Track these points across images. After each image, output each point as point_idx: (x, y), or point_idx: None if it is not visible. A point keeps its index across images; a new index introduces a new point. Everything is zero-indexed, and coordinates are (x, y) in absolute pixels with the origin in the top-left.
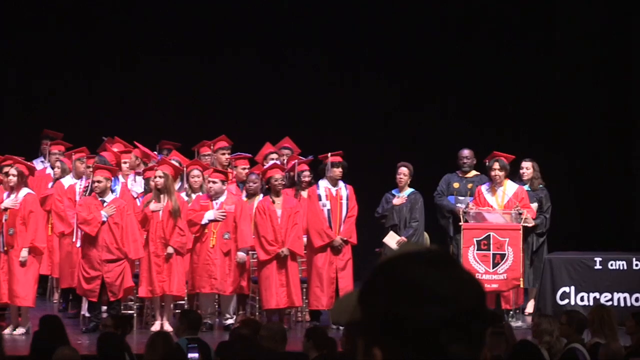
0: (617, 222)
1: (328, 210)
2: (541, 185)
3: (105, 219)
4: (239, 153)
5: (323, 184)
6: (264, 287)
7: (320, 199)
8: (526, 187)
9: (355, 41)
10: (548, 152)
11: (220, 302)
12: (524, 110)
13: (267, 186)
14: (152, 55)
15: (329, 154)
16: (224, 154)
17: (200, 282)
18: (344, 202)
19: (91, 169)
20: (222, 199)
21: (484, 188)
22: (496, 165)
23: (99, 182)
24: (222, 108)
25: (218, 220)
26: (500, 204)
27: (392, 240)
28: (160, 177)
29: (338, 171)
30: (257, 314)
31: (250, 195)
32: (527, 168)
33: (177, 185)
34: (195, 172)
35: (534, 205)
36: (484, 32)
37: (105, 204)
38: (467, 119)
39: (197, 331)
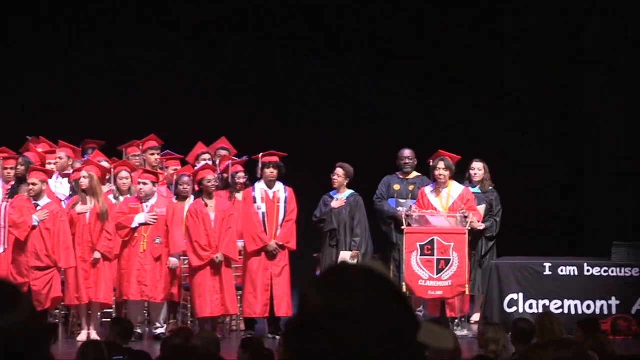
0: (567, 227)
1: (263, 213)
2: (491, 187)
3: (36, 224)
4: (168, 151)
5: (259, 186)
6: (197, 295)
7: (255, 202)
8: (476, 189)
9: (298, 33)
10: (493, 152)
11: (150, 310)
12: (470, 107)
13: (198, 188)
14: (77, 50)
15: (261, 155)
16: (153, 154)
17: (129, 289)
18: (282, 205)
19: (9, 170)
20: (153, 201)
21: (427, 190)
22: (441, 165)
23: (34, 184)
24: (153, 105)
25: (149, 224)
26: (444, 207)
27: (346, 257)
28: (85, 177)
29: (269, 172)
30: (189, 322)
31: (182, 197)
32: (479, 169)
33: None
34: (124, 173)
35: (482, 208)
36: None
37: (38, 207)
38: (409, 117)
39: (128, 340)
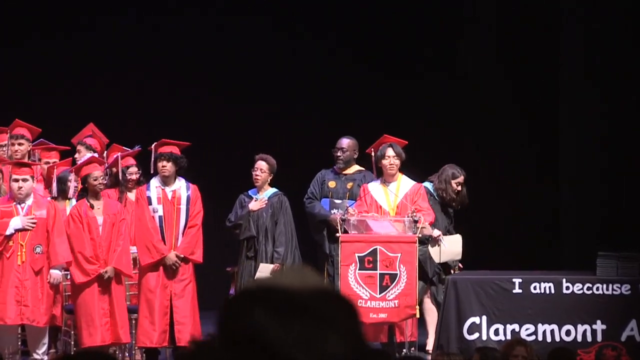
0: (541, 233)
1: (160, 217)
2: None
3: None
4: (42, 140)
5: (155, 183)
6: (82, 318)
7: (150, 203)
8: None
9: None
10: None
11: (28, 337)
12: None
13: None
14: None
15: (154, 144)
16: (13, 144)
17: (5, 311)
18: (183, 206)
19: None
20: (29, 201)
21: (371, 186)
22: (390, 152)
23: None
24: (26, 86)
25: (27, 230)
26: (392, 206)
27: (265, 272)
28: None
29: (160, 165)
30: (72, 352)
31: (66, 197)
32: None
33: None
34: None
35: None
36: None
37: None
38: (350, 98)
39: None
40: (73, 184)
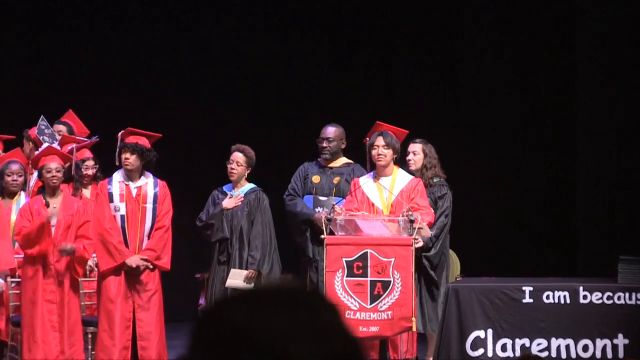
0: (555, 235)
1: (122, 216)
2: (438, 179)
3: None
4: None
5: (117, 177)
6: (27, 331)
7: (112, 200)
8: None
9: None
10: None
11: None
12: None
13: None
14: None
15: (120, 133)
16: None
17: None
18: (150, 205)
19: None
20: None
21: (363, 180)
22: (380, 141)
23: None
24: None
25: None
26: (386, 204)
27: (237, 278)
28: None
29: (123, 158)
30: None
31: (10, 194)
32: (415, 152)
33: None
34: None
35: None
36: None
37: None
38: (336, 83)
39: None
40: (20, 177)
